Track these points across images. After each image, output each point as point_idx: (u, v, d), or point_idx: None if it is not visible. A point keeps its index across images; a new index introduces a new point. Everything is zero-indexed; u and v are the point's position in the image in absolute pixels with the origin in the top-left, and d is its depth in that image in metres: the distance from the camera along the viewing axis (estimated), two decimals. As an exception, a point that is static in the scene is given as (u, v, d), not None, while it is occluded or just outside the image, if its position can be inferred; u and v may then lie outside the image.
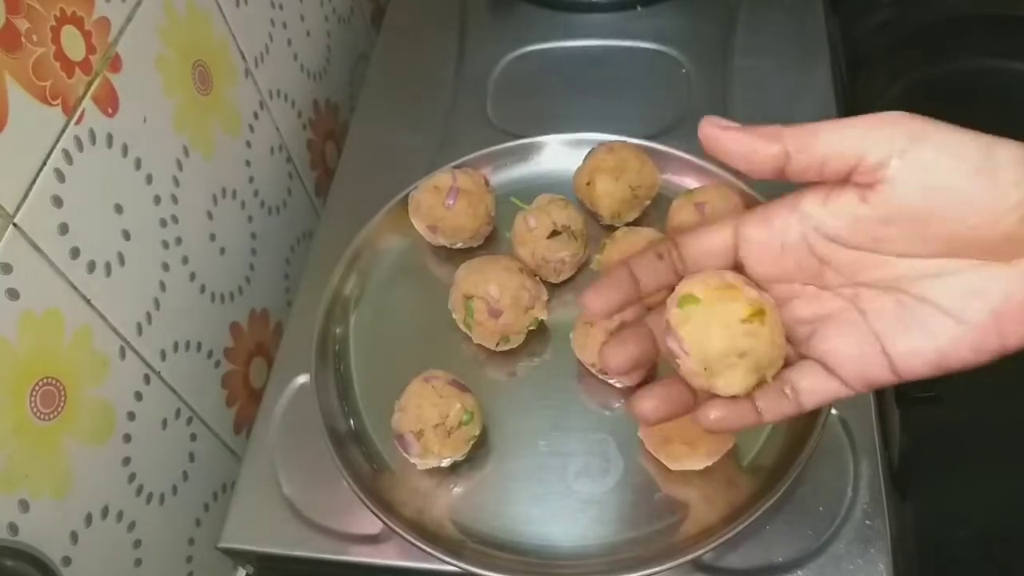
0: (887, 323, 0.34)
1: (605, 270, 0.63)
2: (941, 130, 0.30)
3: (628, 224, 0.68)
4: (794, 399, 0.37)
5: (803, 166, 0.33)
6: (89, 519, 0.55)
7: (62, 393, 0.52)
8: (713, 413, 0.37)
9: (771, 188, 0.67)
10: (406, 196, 0.70)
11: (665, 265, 0.39)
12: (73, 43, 0.52)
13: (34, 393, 0.50)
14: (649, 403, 0.38)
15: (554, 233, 0.64)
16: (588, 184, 0.68)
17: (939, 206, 0.30)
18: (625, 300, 0.39)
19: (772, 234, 0.36)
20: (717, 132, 0.35)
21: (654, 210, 0.70)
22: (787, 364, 0.37)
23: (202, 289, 0.67)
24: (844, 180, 0.33)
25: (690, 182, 0.70)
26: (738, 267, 0.38)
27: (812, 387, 0.36)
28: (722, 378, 0.36)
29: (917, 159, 0.30)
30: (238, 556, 0.59)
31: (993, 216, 0.30)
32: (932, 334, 0.33)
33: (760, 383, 0.36)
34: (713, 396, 0.37)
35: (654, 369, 0.59)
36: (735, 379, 0.36)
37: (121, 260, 0.57)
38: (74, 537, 0.53)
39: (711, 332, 0.36)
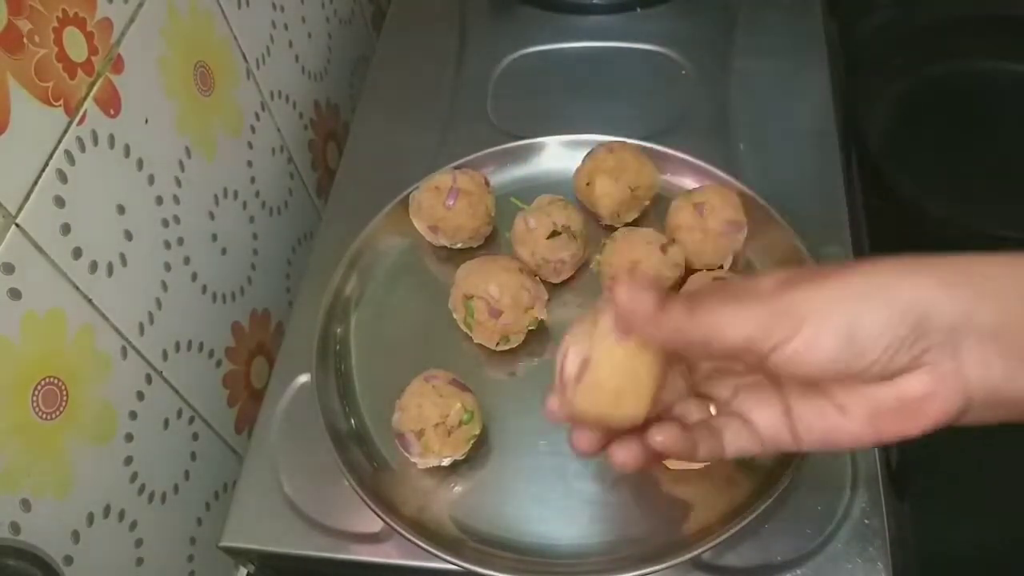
0: (795, 396, 0.38)
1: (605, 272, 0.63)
2: (811, 315, 0.34)
3: (628, 224, 0.68)
4: (720, 444, 0.40)
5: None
6: (91, 518, 0.55)
7: (64, 393, 0.52)
8: (659, 436, 0.39)
9: (768, 187, 0.67)
10: (407, 196, 0.70)
11: None
12: (75, 44, 0.52)
13: (36, 393, 0.50)
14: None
15: (554, 233, 0.64)
16: (588, 184, 0.68)
17: (815, 373, 0.35)
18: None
19: None
20: (631, 315, 0.36)
21: (653, 210, 0.70)
22: (718, 414, 0.41)
23: (204, 289, 0.68)
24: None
25: (689, 182, 0.70)
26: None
27: (734, 438, 0.40)
28: None
29: (792, 352, 0.34)
30: (239, 555, 0.60)
31: (859, 371, 0.34)
32: (823, 417, 0.37)
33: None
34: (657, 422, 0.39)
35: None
36: None
37: (123, 260, 0.57)
38: (76, 536, 0.54)
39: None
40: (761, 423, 0.39)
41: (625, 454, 0.39)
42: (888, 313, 0.33)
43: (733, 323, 0.35)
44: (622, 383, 0.37)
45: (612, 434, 0.39)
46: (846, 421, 0.37)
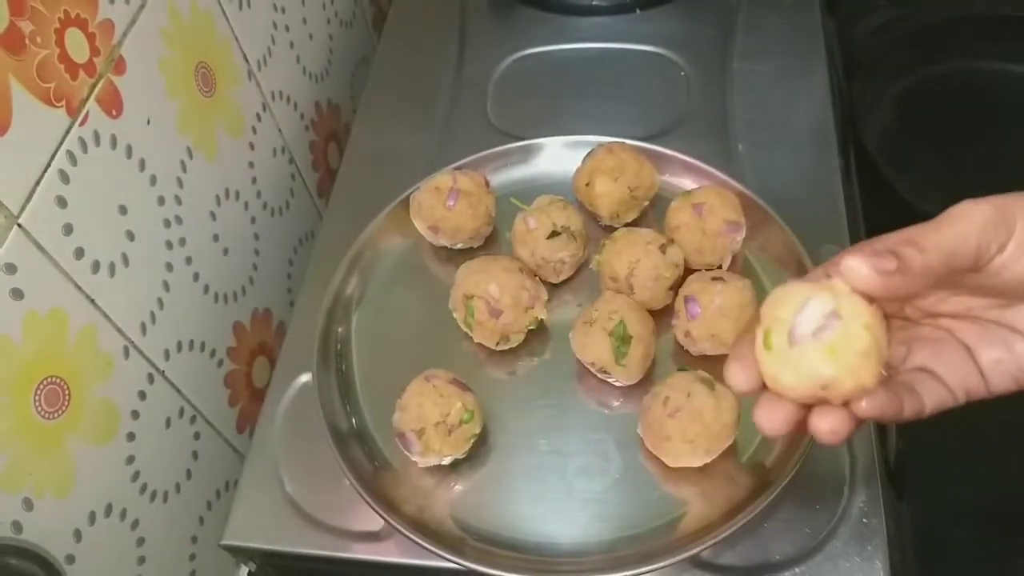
0: (971, 338, 0.38)
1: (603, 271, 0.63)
2: (1020, 215, 0.34)
3: (627, 225, 0.68)
4: (920, 400, 0.37)
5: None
6: (93, 517, 0.55)
7: (66, 392, 0.52)
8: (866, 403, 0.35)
9: (767, 188, 0.68)
10: (407, 197, 0.70)
11: None
12: (77, 45, 0.53)
13: (38, 392, 0.50)
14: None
15: (554, 234, 0.64)
16: (587, 185, 0.68)
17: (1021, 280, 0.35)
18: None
19: None
20: (878, 278, 0.34)
21: (653, 211, 0.70)
22: (896, 374, 0.39)
23: (205, 289, 0.68)
24: None
25: (688, 183, 0.70)
26: None
27: (929, 393, 0.37)
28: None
29: (1010, 253, 0.34)
30: (241, 553, 0.60)
31: None
32: (1010, 350, 0.37)
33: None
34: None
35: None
36: None
37: (125, 260, 0.57)
38: (78, 535, 0.54)
39: None
40: (946, 372, 0.38)
41: (833, 422, 0.34)
42: None
43: (962, 238, 0.34)
44: (871, 346, 0.33)
45: (803, 408, 0.35)
46: None
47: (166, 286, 0.62)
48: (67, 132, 0.52)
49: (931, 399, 0.37)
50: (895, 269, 0.33)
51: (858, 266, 0.33)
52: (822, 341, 0.33)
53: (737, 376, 0.36)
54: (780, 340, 0.34)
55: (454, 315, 0.64)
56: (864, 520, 0.55)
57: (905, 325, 0.40)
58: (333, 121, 0.92)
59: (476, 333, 0.63)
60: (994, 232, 0.34)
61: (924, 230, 0.34)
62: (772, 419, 0.35)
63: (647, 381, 0.60)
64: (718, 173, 0.69)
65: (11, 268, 0.48)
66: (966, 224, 0.34)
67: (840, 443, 0.36)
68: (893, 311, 0.40)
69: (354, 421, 0.62)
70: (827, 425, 0.34)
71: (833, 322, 0.33)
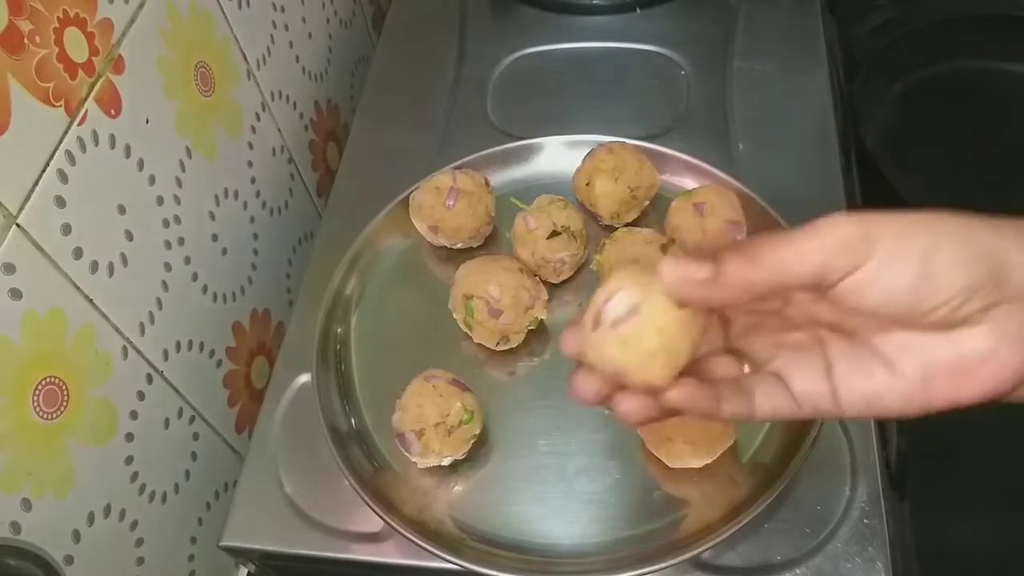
0: (837, 354, 0.36)
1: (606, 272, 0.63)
2: (886, 238, 0.32)
3: (627, 224, 0.68)
4: (750, 403, 0.37)
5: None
6: (91, 518, 0.55)
7: (65, 393, 0.52)
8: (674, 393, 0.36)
9: (768, 187, 0.67)
10: (407, 197, 0.70)
11: None
12: (76, 44, 0.52)
13: (37, 393, 0.50)
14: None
15: (554, 233, 0.64)
16: (587, 185, 0.68)
17: (880, 306, 0.33)
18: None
19: None
20: (685, 285, 0.33)
21: (653, 211, 0.70)
22: (752, 373, 0.39)
23: (204, 289, 0.68)
24: None
25: (688, 183, 0.70)
26: None
27: (767, 398, 0.37)
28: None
29: (862, 277, 0.32)
30: (240, 554, 0.60)
31: (926, 311, 0.32)
32: (870, 377, 0.35)
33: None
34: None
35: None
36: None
37: (124, 260, 0.57)
38: (76, 536, 0.54)
39: None
40: (799, 385, 0.37)
41: (631, 405, 0.35)
42: (968, 250, 0.32)
43: (802, 257, 0.32)
44: (659, 348, 0.34)
45: (619, 385, 0.36)
46: (895, 381, 0.34)
47: (165, 286, 0.62)
48: (66, 132, 0.52)
49: (769, 406, 0.37)
50: (707, 278, 0.33)
51: (669, 269, 0.33)
52: (617, 332, 0.34)
53: (567, 341, 0.36)
54: (589, 319, 0.35)
55: (454, 315, 0.64)
56: (865, 521, 0.55)
57: (783, 327, 0.38)
58: (332, 121, 0.92)
59: (476, 333, 0.63)
60: (849, 255, 0.32)
61: (774, 242, 0.33)
62: (582, 388, 0.36)
63: (647, 381, 0.60)
64: (718, 172, 0.69)
65: (9, 268, 0.47)
66: (821, 241, 0.32)
67: (636, 425, 0.36)
68: (774, 310, 0.38)
69: (353, 421, 0.62)
70: (623, 406, 0.35)
71: (632, 318, 0.34)
